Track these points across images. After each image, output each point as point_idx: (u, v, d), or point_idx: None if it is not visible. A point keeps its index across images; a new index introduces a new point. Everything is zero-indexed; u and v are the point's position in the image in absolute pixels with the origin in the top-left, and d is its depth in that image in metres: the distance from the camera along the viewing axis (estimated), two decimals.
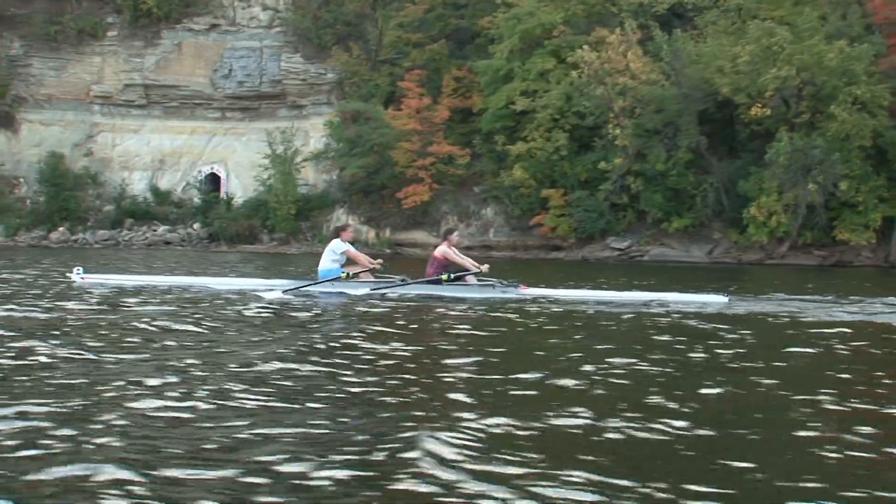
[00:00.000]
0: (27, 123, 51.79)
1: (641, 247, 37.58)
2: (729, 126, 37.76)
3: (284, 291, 11.32)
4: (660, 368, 5.53)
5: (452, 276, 11.80)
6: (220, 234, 46.96)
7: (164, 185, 52.47)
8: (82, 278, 12.05)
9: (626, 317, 9.36)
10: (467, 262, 12.35)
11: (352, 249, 12.10)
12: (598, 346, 6.60)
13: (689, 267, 32.72)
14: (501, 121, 41.23)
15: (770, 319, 9.39)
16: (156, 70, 52.75)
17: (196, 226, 48.68)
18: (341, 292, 11.57)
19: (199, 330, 7.22)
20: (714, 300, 11.10)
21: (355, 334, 7.28)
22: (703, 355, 6.30)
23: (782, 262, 34.90)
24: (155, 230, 48.92)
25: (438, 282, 11.73)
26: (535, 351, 6.56)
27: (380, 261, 12.16)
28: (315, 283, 11.94)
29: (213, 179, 53.24)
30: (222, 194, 51.70)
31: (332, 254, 12.05)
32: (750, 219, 33.95)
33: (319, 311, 9.56)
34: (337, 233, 12.37)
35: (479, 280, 12.17)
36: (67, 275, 12.46)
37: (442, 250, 12.27)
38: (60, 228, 48.08)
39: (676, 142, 36.42)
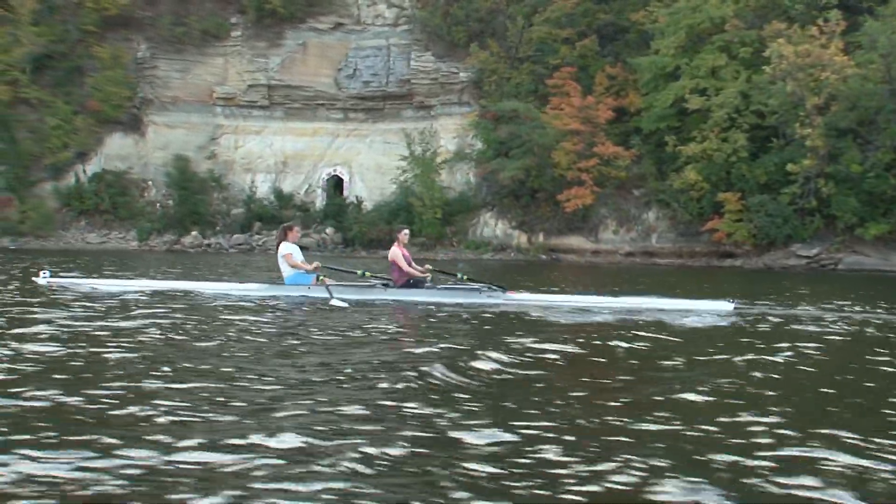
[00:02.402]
0: (153, 126, 50.97)
1: (832, 254, 35.16)
2: None
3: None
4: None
5: (430, 276, 11.59)
6: (356, 239, 45.52)
7: (286, 187, 51.28)
8: (48, 281, 11.85)
9: (613, 324, 8.90)
10: (414, 270, 11.65)
11: (294, 253, 11.36)
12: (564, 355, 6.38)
13: (893, 277, 30.34)
14: (666, 120, 39.19)
15: (776, 328, 8.90)
16: (280, 70, 51.60)
17: (329, 230, 47.32)
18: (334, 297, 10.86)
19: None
20: (718, 307, 10.45)
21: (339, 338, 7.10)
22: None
23: None
24: None
25: (420, 284, 11.40)
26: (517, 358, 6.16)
27: (317, 263, 11.63)
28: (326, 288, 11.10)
29: (335, 182, 51.93)
30: (346, 197, 50.34)
31: (284, 259, 11.44)
32: None
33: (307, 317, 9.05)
34: (284, 233, 11.62)
35: (463, 284, 11.77)
36: (34, 278, 12.31)
37: (393, 252, 11.56)
38: (193, 233, 47.07)
39: (874, 141, 33.96)
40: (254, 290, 11.60)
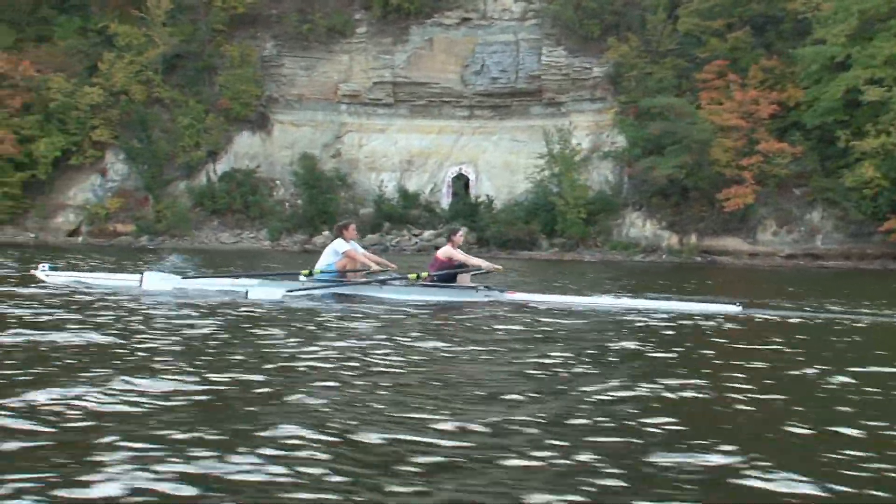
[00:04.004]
0: (279, 124, 50.62)
1: None
2: None
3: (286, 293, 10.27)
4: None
5: (424, 274, 10.75)
6: (491, 239, 44.20)
7: (411, 186, 50.27)
8: (47, 275, 11.35)
9: (619, 324, 8.39)
10: (472, 261, 11.30)
11: (355, 249, 11.09)
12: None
13: None
14: (833, 114, 36.85)
15: (785, 330, 8.43)
16: (405, 67, 50.67)
17: (462, 230, 45.99)
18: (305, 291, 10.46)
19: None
20: (725, 310, 9.94)
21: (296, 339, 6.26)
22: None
23: None
24: (417, 234, 46.68)
25: (402, 281, 10.77)
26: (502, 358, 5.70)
27: (390, 265, 11.38)
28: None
29: (465, 181, 50.71)
30: (477, 196, 49.04)
31: (335, 254, 11.03)
32: None
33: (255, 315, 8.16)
34: (340, 232, 11.24)
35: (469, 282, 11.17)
36: (32, 271, 11.87)
37: (446, 251, 11.05)
38: (324, 232, 46.41)
39: None
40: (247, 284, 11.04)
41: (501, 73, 50.15)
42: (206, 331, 6.51)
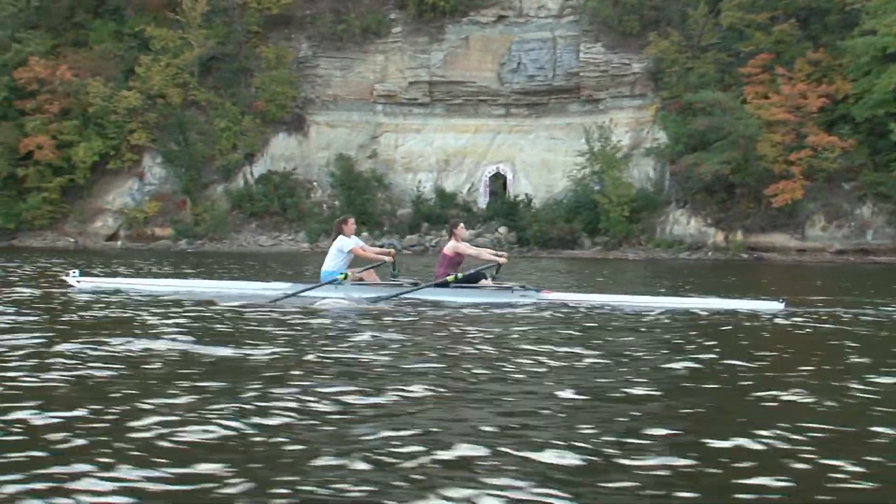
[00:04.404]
0: (315, 125, 50.40)
1: None
2: None
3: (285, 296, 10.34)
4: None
5: (461, 276, 10.52)
6: (531, 239, 43.69)
7: (448, 186, 49.86)
8: (78, 281, 11.64)
9: (661, 323, 8.39)
10: (484, 252, 11.25)
11: (359, 246, 10.96)
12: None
13: None
14: (885, 106, 35.99)
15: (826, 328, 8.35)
16: (442, 66, 50.28)
17: (502, 229, 45.63)
18: (342, 298, 10.22)
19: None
20: (767, 307, 9.85)
21: (352, 346, 6.32)
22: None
23: None
24: None
25: (446, 284, 10.48)
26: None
27: (391, 251, 11.22)
28: (314, 287, 10.59)
29: (503, 180, 50.19)
30: (516, 195, 48.52)
31: (339, 253, 10.83)
32: None
33: (314, 320, 8.26)
34: (339, 228, 11.01)
35: (495, 282, 10.87)
36: (63, 278, 12.23)
37: (452, 246, 10.92)
38: (363, 234, 46.11)
39: None
40: (277, 289, 11.01)
41: (538, 71, 49.63)
42: (298, 343, 6.38)
